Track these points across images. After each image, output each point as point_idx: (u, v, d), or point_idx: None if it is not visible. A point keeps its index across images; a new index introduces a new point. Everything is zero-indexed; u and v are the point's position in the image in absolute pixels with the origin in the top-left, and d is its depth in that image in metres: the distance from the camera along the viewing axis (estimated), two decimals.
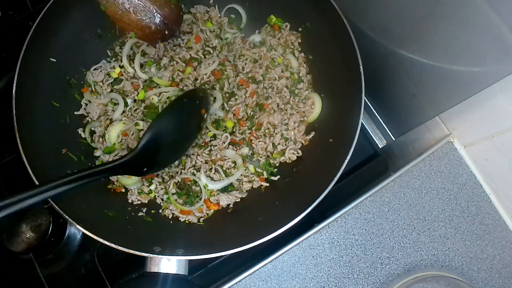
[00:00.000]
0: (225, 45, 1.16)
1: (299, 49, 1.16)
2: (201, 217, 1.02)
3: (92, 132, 1.07)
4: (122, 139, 1.04)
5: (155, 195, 1.03)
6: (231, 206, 1.04)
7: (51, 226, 1.02)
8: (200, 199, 1.02)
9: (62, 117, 1.03)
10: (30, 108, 0.96)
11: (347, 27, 0.98)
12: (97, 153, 1.05)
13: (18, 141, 0.89)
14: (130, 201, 1.02)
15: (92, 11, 1.04)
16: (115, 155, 1.03)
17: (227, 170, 1.05)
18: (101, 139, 1.05)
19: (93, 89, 1.08)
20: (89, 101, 1.08)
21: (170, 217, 1.02)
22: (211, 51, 1.11)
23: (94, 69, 1.10)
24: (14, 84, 0.92)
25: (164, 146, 0.93)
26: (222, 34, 1.18)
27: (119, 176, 1.01)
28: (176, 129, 0.96)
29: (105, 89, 1.09)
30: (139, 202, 1.02)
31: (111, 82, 1.10)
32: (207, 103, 1.01)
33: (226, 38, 1.18)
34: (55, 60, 1.01)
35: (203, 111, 1.00)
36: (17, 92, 0.92)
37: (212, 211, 1.03)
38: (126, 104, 1.08)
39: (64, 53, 1.03)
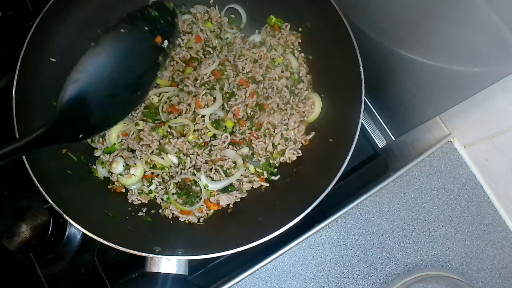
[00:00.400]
0: (225, 45, 1.16)
1: (299, 49, 1.16)
2: (201, 217, 1.02)
3: None
4: (122, 139, 1.04)
5: (155, 195, 1.03)
6: (231, 206, 1.04)
7: (51, 226, 1.02)
8: (200, 199, 1.01)
9: None
10: (30, 108, 0.96)
11: (347, 27, 0.98)
12: (97, 153, 1.05)
13: None
14: (130, 201, 1.02)
15: (92, 11, 1.04)
16: (115, 155, 1.03)
17: (227, 170, 1.05)
18: (101, 139, 1.04)
19: None
20: None
21: (170, 217, 1.02)
22: (211, 51, 1.11)
23: None
24: (14, 84, 0.92)
25: (101, 98, 0.69)
26: (222, 34, 1.18)
27: (119, 176, 1.01)
28: (116, 73, 0.69)
29: None
30: (139, 202, 1.02)
31: None
32: (166, 26, 0.73)
33: (226, 38, 1.18)
34: (55, 60, 1.01)
35: (159, 39, 0.73)
36: (17, 92, 0.92)
37: (212, 211, 1.03)
38: None
39: (64, 53, 1.03)
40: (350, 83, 0.99)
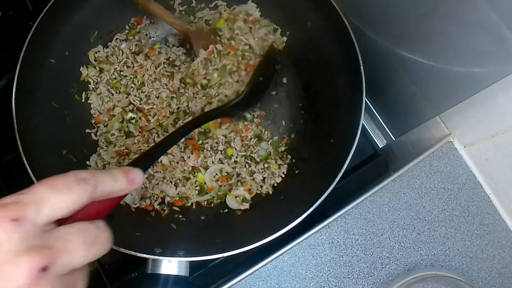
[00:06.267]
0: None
1: None
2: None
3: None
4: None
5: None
6: None
7: None
8: None
9: (62, 118, 1.03)
10: (30, 108, 0.96)
11: (347, 27, 0.98)
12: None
13: (18, 141, 0.88)
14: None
15: (92, 12, 1.04)
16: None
17: None
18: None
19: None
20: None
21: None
22: None
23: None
24: (14, 84, 0.92)
25: (252, 94, 1.09)
26: None
27: None
28: (260, 81, 1.11)
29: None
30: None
31: None
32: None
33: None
34: (55, 61, 1.01)
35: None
36: (17, 92, 0.92)
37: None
38: None
39: (64, 54, 1.03)
40: (351, 83, 0.99)
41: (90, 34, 1.08)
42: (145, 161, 0.70)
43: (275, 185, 1.05)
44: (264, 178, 1.05)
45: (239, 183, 1.05)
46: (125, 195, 0.59)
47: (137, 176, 0.59)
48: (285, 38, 1.16)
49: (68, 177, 0.49)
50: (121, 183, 0.56)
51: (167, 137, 0.85)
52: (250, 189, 1.04)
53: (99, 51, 1.10)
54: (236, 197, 1.03)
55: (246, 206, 1.02)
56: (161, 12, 1.06)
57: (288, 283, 0.97)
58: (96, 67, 1.10)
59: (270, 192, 1.04)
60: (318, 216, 1.04)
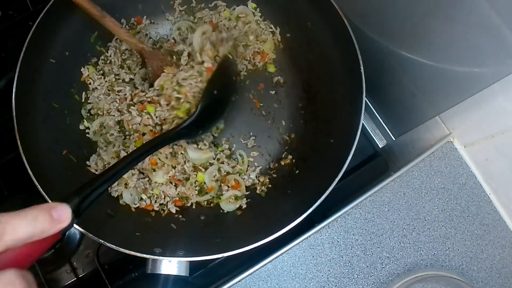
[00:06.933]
0: None
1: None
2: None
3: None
4: None
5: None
6: None
7: None
8: None
9: (63, 117, 1.03)
10: (30, 108, 0.96)
11: (347, 27, 0.98)
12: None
13: (18, 141, 0.88)
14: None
15: None
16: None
17: None
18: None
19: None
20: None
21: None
22: None
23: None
24: (14, 84, 0.92)
25: (209, 111, 0.99)
26: None
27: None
28: (217, 96, 1.00)
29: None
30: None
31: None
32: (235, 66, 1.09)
33: None
34: (54, 61, 1.01)
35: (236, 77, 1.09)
36: (17, 92, 0.92)
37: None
38: None
39: (64, 54, 1.03)
40: (351, 83, 0.99)
41: (90, 34, 1.08)
42: (85, 192, 0.63)
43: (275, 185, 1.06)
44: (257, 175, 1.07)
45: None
46: (62, 232, 0.53)
47: (63, 213, 0.53)
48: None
49: None
50: (42, 223, 0.50)
51: (112, 166, 0.75)
52: (238, 183, 1.04)
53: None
54: (228, 199, 1.03)
55: (242, 202, 1.02)
56: (116, 29, 1.00)
57: (288, 283, 0.97)
58: (97, 67, 1.10)
59: (270, 192, 1.04)
60: (318, 216, 1.04)
